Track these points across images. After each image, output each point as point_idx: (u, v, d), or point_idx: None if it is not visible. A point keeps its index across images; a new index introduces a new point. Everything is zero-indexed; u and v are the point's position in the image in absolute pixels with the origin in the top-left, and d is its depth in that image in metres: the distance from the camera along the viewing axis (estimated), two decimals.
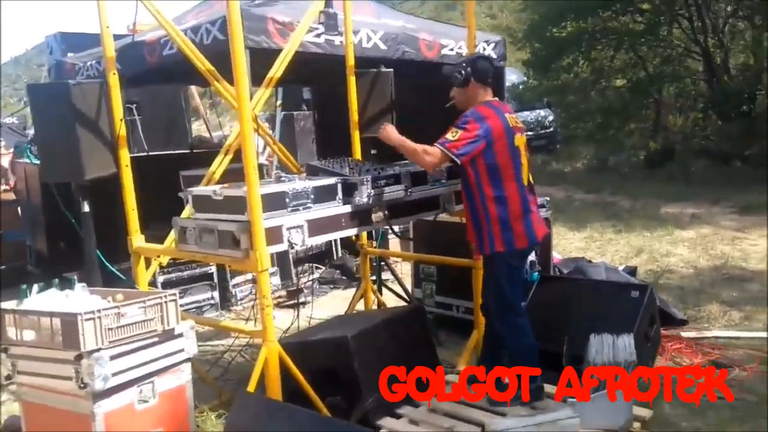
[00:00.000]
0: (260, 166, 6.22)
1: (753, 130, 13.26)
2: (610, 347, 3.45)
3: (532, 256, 4.89)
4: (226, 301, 6.34)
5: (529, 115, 17.44)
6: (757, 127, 13.34)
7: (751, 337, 4.69)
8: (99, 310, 2.59)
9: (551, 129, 17.83)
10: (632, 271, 5.84)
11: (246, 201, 2.95)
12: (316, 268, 7.19)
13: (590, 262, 5.98)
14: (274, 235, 3.04)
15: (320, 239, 3.36)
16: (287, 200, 3.15)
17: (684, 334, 4.74)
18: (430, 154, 3.31)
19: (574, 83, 17.88)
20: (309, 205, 3.23)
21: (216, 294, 6.22)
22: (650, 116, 17.72)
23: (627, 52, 16.86)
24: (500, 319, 3.53)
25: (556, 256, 6.10)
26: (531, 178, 3.57)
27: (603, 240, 8.32)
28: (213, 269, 6.15)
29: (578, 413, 3.11)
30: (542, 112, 17.71)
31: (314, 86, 8.24)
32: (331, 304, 6.10)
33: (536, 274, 4.87)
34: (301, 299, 5.62)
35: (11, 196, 7.74)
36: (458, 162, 3.31)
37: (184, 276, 5.93)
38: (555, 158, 17.23)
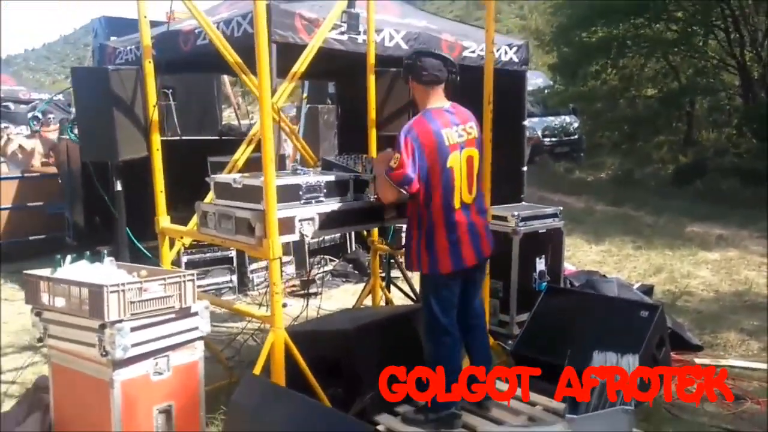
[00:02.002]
0: (283, 157, 6.45)
1: None
2: (614, 365, 3.36)
3: (541, 266, 4.95)
4: (243, 286, 6.59)
5: (554, 121, 17.25)
6: None
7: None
8: (123, 284, 2.79)
9: (575, 136, 17.61)
10: (648, 290, 5.65)
11: (262, 191, 3.13)
12: (330, 260, 7.38)
13: (604, 276, 5.88)
14: (286, 225, 3.21)
15: (330, 233, 3.55)
16: (300, 193, 3.34)
17: (698, 360, 4.60)
18: (387, 191, 3.29)
19: (601, 90, 17.62)
20: (321, 198, 3.41)
21: (234, 278, 6.47)
22: (681, 129, 17.30)
23: (658, 61, 16.49)
24: (426, 334, 3.49)
25: (570, 267, 6.04)
26: (473, 192, 3.41)
27: (621, 255, 8.09)
28: (233, 253, 6.39)
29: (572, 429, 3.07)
30: (567, 119, 17.47)
31: (337, 82, 8.45)
32: (341, 297, 6.23)
33: (544, 284, 4.90)
34: (313, 290, 5.78)
35: (54, 169, 8.13)
36: (406, 193, 3.24)
37: (207, 258, 6.20)
38: (578, 167, 16.80)
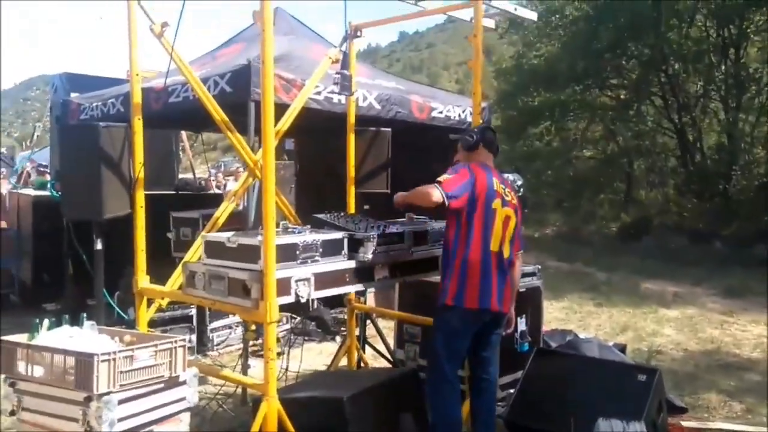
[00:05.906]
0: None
1: (729, 210, 13.46)
2: None
3: (522, 326, 4.80)
4: (202, 345, 6.24)
5: None
6: (733, 207, 13.52)
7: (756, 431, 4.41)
8: (114, 352, 2.57)
9: (520, 193, 18.22)
10: (622, 348, 5.51)
11: (260, 250, 2.99)
12: (291, 317, 7.12)
13: (577, 336, 5.76)
14: (283, 286, 3.07)
15: (324, 293, 3.40)
16: (297, 252, 3.21)
17: (685, 424, 4.46)
18: (430, 192, 3.31)
19: (544, 151, 18.25)
20: (317, 258, 3.29)
21: (194, 337, 6.12)
22: (621, 189, 17.98)
23: (598, 124, 17.26)
24: (428, 374, 3.51)
25: None
26: (506, 250, 3.52)
27: (583, 312, 8.11)
28: (193, 311, 6.07)
29: None
30: (511, 177, 18.12)
31: (297, 139, 8.40)
32: (306, 357, 5.91)
33: (526, 345, 4.74)
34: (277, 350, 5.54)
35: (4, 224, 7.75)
36: (447, 203, 3.29)
37: (165, 317, 5.84)
38: (523, 223, 17.36)
